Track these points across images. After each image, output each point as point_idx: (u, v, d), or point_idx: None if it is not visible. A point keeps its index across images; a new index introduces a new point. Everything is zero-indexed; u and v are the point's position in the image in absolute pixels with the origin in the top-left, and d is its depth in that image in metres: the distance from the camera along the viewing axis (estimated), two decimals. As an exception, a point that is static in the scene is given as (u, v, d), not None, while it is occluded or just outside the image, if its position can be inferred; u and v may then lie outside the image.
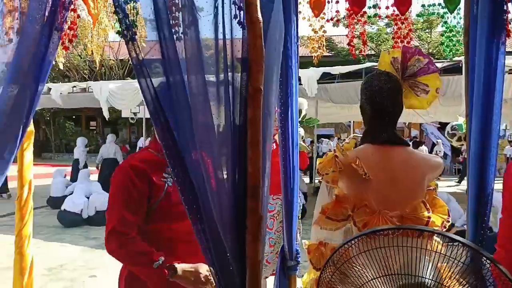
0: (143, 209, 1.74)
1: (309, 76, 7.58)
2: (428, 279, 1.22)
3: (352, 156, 1.80)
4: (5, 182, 8.97)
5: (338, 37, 20.91)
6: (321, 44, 2.58)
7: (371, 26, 19.82)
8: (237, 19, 1.71)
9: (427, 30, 20.71)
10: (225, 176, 1.63)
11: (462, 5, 2.34)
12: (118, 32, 1.69)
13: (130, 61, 1.74)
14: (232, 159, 1.61)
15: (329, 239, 1.85)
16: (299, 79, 7.97)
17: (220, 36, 1.72)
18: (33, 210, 2.42)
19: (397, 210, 1.73)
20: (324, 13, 2.55)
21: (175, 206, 1.69)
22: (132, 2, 1.73)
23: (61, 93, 10.15)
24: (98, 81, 14.07)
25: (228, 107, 1.67)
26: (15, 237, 2.36)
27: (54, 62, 1.78)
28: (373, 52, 21.19)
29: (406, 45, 2.31)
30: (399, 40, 2.51)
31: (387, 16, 2.48)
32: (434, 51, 19.22)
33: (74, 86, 11.11)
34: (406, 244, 1.23)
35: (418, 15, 2.83)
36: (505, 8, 1.71)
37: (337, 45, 21.70)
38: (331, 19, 2.50)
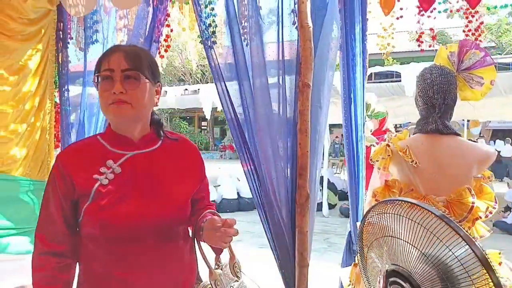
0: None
1: (408, 72, 7.28)
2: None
3: (403, 145, 1.96)
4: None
5: (453, 29, 19.53)
6: (387, 43, 2.71)
7: (490, 17, 18.15)
8: (295, 25, 2.00)
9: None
10: (280, 159, 1.93)
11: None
12: (200, 42, 2.08)
13: (209, 65, 2.15)
14: (285, 145, 1.90)
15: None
16: (399, 76, 7.79)
17: (281, 40, 2.03)
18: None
19: (443, 195, 1.85)
20: (394, 11, 2.67)
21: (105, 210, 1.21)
22: (211, 16, 2.11)
23: (175, 95, 11.31)
24: (208, 83, 15.25)
25: (284, 101, 1.95)
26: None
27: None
28: (493, 44, 19.39)
29: (465, 39, 2.34)
30: (470, 33, 2.53)
31: (457, 10, 2.52)
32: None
33: (186, 89, 12.29)
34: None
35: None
36: None
37: (451, 38, 20.30)
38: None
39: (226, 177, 10.28)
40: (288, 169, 1.88)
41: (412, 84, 7.04)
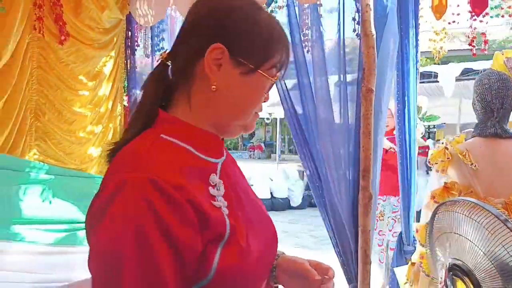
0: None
1: (446, 72, 7.19)
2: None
3: (462, 148, 2.02)
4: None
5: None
6: (440, 47, 2.77)
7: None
8: (355, 32, 2.10)
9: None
10: (342, 162, 2.03)
11: None
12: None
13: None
14: (347, 148, 1.99)
15: (437, 221, 2.09)
16: (436, 76, 7.70)
17: (342, 49, 2.12)
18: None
19: (502, 197, 1.90)
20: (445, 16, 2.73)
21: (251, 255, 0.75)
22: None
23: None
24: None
25: (345, 104, 2.05)
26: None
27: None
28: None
29: None
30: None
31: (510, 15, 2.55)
32: None
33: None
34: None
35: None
36: None
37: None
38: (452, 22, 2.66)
39: (259, 177, 10.42)
40: (350, 171, 1.97)
41: (450, 84, 6.98)
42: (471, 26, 2.69)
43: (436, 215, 1.73)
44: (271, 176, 10.86)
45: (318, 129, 2.06)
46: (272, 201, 10.25)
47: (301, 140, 2.13)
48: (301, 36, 2.18)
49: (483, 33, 2.70)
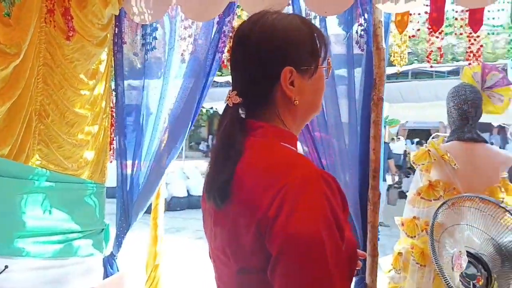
0: None
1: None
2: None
3: (443, 150, 2.32)
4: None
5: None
6: (402, 57, 3.10)
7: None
8: (360, 48, 2.24)
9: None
10: (354, 162, 2.19)
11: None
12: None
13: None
14: (360, 150, 2.16)
15: (421, 214, 2.38)
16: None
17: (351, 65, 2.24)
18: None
19: (478, 192, 2.23)
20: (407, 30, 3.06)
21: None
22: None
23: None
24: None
25: (354, 111, 2.21)
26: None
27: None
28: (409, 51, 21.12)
29: (485, 63, 2.78)
30: (471, 55, 2.98)
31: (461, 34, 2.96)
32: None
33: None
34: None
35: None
36: None
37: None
38: (412, 36, 3.00)
39: (175, 175, 10.26)
40: (358, 172, 2.14)
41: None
42: (429, 40, 3.07)
43: (439, 213, 1.99)
44: (188, 174, 10.77)
45: (328, 130, 2.18)
46: (189, 199, 10.16)
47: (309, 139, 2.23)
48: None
49: (439, 47, 3.09)
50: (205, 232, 0.99)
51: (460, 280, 1.78)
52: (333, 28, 2.24)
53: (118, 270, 2.40)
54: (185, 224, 7.54)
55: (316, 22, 2.22)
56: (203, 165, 14.35)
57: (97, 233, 2.28)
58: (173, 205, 9.38)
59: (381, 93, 2.07)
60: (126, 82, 2.43)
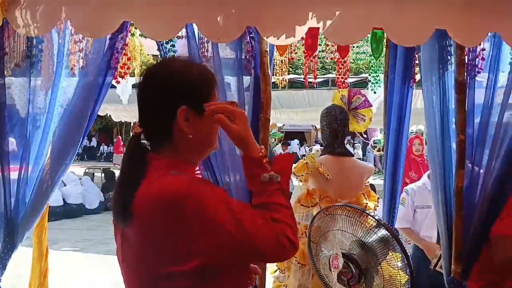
0: None
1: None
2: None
3: (318, 163, 2.66)
4: None
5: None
6: (283, 78, 3.49)
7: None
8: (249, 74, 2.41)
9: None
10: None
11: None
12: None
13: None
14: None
15: (301, 220, 2.69)
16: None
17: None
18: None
19: (347, 199, 2.63)
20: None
21: None
22: (171, 52, 2.39)
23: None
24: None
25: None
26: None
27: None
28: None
29: (352, 88, 3.26)
30: (340, 76, 3.47)
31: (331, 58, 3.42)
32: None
33: None
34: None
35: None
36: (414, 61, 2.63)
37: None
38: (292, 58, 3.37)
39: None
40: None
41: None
42: (305, 63, 3.46)
43: (316, 218, 2.29)
44: (65, 180, 10.01)
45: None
46: (65, 207, 9.46)
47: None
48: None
49: (314, 70, 3.51)
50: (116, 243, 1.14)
51: (337, 279, 2.09)
52: (225, 52, 2.41)
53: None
54: (64, 236, 7.05)
55: (209, 46, 2.36)
56: (80, 169, 13.43)
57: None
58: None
59: (268, 114, 2.31)
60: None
